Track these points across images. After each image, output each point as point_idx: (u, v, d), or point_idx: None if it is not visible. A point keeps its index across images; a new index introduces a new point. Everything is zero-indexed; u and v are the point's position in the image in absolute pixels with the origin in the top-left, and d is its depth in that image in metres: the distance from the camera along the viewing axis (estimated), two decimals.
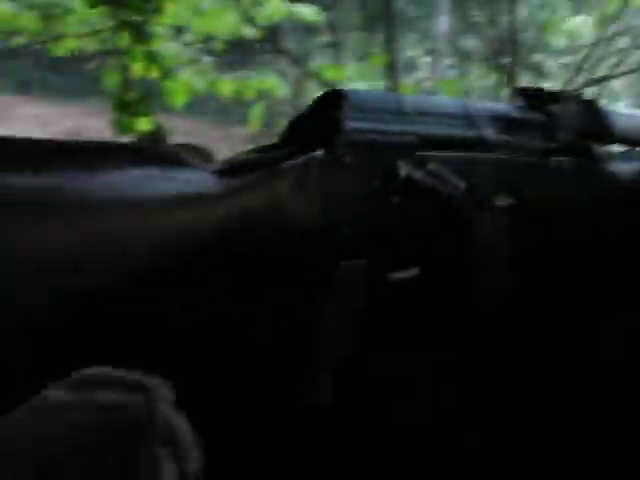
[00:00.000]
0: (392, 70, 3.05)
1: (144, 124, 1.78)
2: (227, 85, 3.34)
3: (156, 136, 1.72)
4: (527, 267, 0.73)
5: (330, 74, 3.26)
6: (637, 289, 0.82)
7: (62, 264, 0.43)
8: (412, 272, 0.67)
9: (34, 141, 0.45)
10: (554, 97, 0.74)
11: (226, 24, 3.35)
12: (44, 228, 0.42)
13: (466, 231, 0.67)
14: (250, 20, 3.36)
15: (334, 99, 0.57)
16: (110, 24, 1.91)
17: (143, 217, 0.44)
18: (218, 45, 3.37)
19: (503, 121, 0.70)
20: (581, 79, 3.71)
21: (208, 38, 3.34)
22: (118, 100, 1.80)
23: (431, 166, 0.61)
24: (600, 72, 3.74)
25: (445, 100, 0.69)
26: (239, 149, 0.60)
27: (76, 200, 0.42)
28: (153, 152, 0.46)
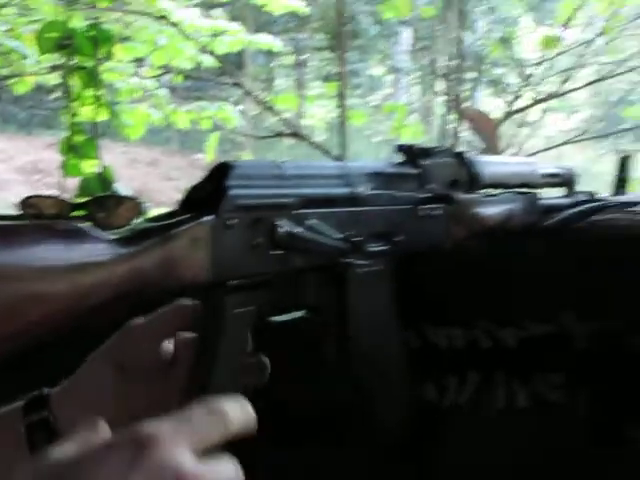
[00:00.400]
0: (341, 95, 3.17)
1: (89, 167, 1.89)
2: (183, 116, 3.46)
3: (102, 178, 1.83)
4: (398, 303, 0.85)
5: (283, 102, 3.38)
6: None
7: None
8: (295, 315, 0.79)
9: None
10: (427, 152, 0.86)
11: (184, 56, 3.46)
12: None
13: (343, 276, 0.79)
14: (208, 51, 3.47)
15: (223, 169, 0.68)
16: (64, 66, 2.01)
17: (46, 285, 0.55)
18: (176, 77, 3.48)
19: (379, 177, 0.81)
20: (531, 94, 3.85)
21: (166, 70, 3.45)
22: (65, 143, 1.90)
23: (309, 222, 0.73)
24: (551, 87, 3.87)
25: (324, 164, 0.80)
26: (200, 175, 0.70)
27: None
28: (60, 227, 0.57)
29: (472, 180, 0.91)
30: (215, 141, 3.41)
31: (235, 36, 3.70)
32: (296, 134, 3.57)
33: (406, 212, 0.83)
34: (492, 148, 3.67)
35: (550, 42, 3.04)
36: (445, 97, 3.85)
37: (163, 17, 2.79)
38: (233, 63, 6.78)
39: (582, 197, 1.03)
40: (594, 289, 0.93)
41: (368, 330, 0.83)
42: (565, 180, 1.05)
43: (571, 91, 4.03)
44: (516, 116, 3.96)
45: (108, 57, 1.96)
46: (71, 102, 1.89)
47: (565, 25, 3.08)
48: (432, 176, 0.87)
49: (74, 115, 1.88)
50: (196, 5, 4.08)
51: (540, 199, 0.99)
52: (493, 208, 0.92)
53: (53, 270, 0.56)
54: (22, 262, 0.54)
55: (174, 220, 0.64)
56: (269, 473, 1.00)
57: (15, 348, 0.55)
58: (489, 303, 0.97)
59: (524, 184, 0.98)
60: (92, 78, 1.89)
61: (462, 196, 0.88)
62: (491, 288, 0.96)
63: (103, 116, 1.99)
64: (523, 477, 0.97)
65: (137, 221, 0.65)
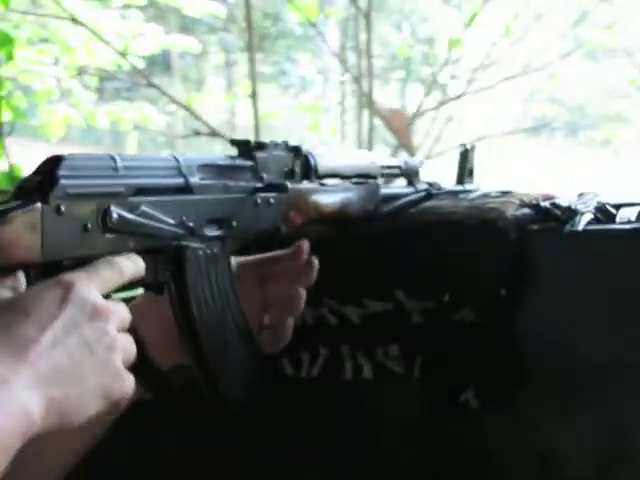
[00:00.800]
0: (254, 94, 3.26)
1: None
2: (102, 116, 3.52)
3: (12, 176, 1.89)
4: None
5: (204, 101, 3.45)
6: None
7: None
8: (134, 294, 0.88)
9: None
10: (261, 146, 0.96)
11: (102, 57, 3.51)
12: None
13: (180, 258, 0.88)
14: (126, 53, 3.52)
15: (55, 161, 0.76)
16: None
17: None
18: (92, 77, 3.54)
19: (213, 168, 0.90)
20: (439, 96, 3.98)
21: (82, 71, 3.50)
22: None
23: (142, 209, 0.82)
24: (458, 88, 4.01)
25: (159, 156, 0.89)
26: None
27: None
28: None
29: (307, 171, 1.00)
30: (134, 141, 3.47)
31: (153, 38, 3.76)
32: (214, 133, 3.66)
33: (240, 200, 0.92)
34: (406, 144, 3.79)
35: (453, 43, 3.17)
36: (360, 96, 3.97)
37: (74, 20, 2.86)
38: (160, 64, 6.81)
39: (420, 187, 1.14)
40: (421, 270, 1.03)
41: (207, 307, 0.92)
42: (405, 172, 1.15)
43: (483, 90, 4.18)
44: (441, 112, 4.09)
45: (9, 58, 2.05)
46: None
47: (468, 26, 3.21)
48: (267, 167, 0.96)
49: None
50: (120, 6, 4.13)
51: (379, 188, 1.09)
52: (329, 196, 1.02)
53: None
54: None
55: (5, 207, 0.72)
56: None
57: None
58: (333, 283, 1.06)
59: (363, 175, 1.07)
60: None
61: (296, 185, 0.98)
62: (334, 269, 1.05)
63: (8, 116, 2.07)
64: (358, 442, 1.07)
65: None
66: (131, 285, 0.85)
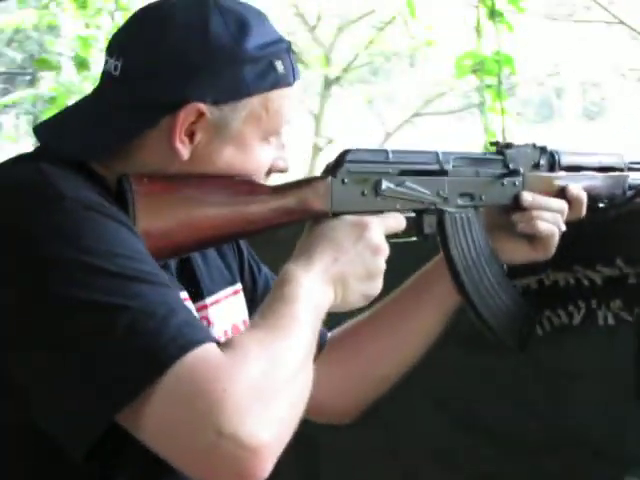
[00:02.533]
0: None
1: None
2: None
3: None
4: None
5: None
6: None
7: None
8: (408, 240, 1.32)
9: None
10: (509, 145, 1.35)
11: None
12: None
13: (441, 218, 1.30)
14: None
15: (345, 152, 1.24)
16: None
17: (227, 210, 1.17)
18: None
19: (466, 159, 1.32)
20: None
21: None
22: None
23: (407, 183, 1.26)
24: None
25: (421, 150, 1.32)
26: None
27: None
28: (240, 179, 1.19)
29: (552, 164, 1.38)
30: None
31: None
32: None
33: (488, 181, 1.33)
34: None
35: None
36: None
37: None
38: None
39: None
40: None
41: (466, 257, 1.33)
42: None
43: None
44: None
45: None
46: None
47: None
48: (515, 160, 1.34)
49: None
50: None
51: (626, 179, 1.41)
52: (572, 182, 1.37)
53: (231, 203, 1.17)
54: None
55: (309, 178, 1.22)
56: None
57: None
58: (581, 253, 1.41)
59: (609, 168, 1.41)
60: None
61: (537, 173, 1.36)
62: (582, 242, 1.39)
63: None
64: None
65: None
66: (405, 234, 1.30)
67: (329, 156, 1.31)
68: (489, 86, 2.93)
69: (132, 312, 0.98)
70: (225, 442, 0.95)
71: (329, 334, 1.46)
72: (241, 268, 1.42)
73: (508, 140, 2.93)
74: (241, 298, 1.37)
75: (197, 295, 1.29)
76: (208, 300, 1.30)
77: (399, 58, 8.33)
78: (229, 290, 1.36)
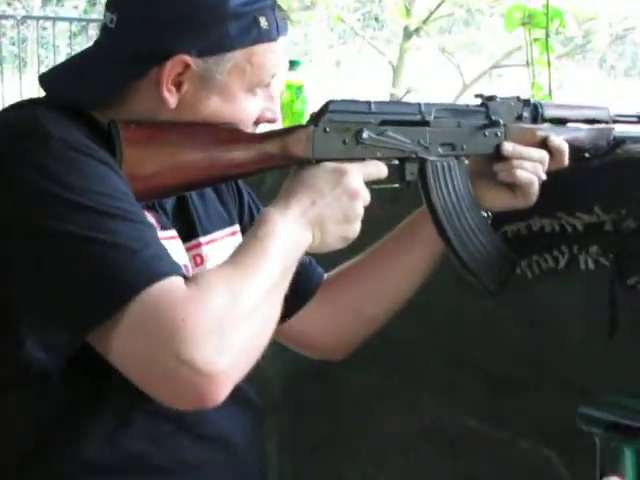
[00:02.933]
0: None
1: None
2: None
3: None
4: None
5: None
6: None
7: None
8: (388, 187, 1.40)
9: None
10: (492, 97, 1.41)
11: None
12: None
13: (422, 166, 1.38)
14: None
15: (328, 102, 1.32)
16: None
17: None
18: None
19: (449, 111, 1.39)
20: None
21: None
22: None
23: (388, 132, 1.34)
24: None
25: (403, 102, 1.39)
26: None
27: None
28: (226, 127, 1.28)
29: (535, 116, 1.44)
30: None
31: None
32: None
33: (469, 132, 1.40)
34: None
35: None
36: None
37: None
38: None
39: None
40: (613, 192, 1.40)
41: (448, 204, 1.41)
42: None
43: None
44: None
45: None
46: None
47: None
48: (497, 112, 1.41)
49: None
50: None
51: (611, 131, 1.46)
52: (555, 133, 1.43)
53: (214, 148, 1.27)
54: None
55: (292, 126, 1.31)
56: None
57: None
58: (564, 200, 1.47)
59: (593, 120, 1.47)
60: None
61: (519, 124, 1.42)
62: (566, 190, 1.46)
63: None
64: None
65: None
66: (388, 181, 1.38)
67: None
68: (537, 39, 2.94)
69: (105, 245, 1.09)
70: (182, 367, 1.06)
71: (326, 275, 1.57)
72: (241, 210, 1.52)
73: (556, 95, 2.98)
74: (239, 238, 1.46)
75: (191, 233, 1.39)
76: (203, 239, 1.41)
77: (479, 10, 8.26)
78: (227, 230, 1.46)
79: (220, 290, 1.11)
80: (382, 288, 1.52)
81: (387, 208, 1.57)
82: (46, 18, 11.52)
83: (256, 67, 1.28)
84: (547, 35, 2.95)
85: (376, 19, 11.44)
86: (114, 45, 1.27)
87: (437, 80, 8.47)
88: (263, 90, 1.32)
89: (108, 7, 1.28)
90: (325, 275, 1.57)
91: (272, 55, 1.29)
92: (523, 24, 3.00)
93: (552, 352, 1.55)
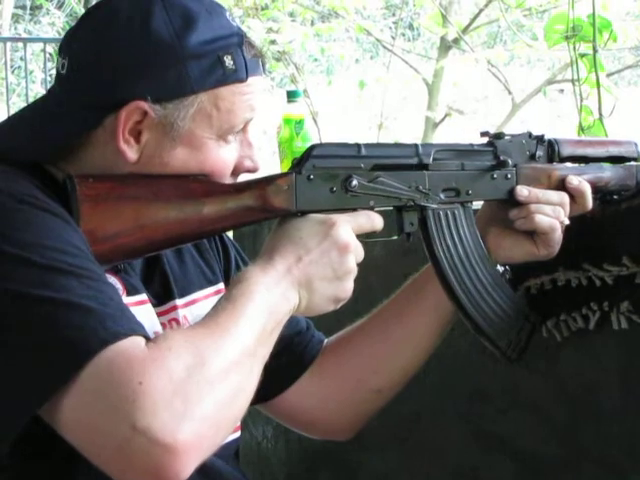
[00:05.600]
0: None
1: None
2: None
3: None
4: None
5: None
6: None
7: None
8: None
9: None
10: (500, 135, 1.50)
11: None
12: None
13: (423, 214, 1.46)
14: None
15: (311, 147, 1.40)
16: None
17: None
18: None
19: (450, 152, 1.47)
20: None
21: None
22: None
23: (381, 178, 1.42)
24: None
25: (398, 143, 1.47)
26: None
27: None
28: (201, 179, 1.37)
29: (551, 154, 1.52)
30: None
31: None
32: None
33: (476, 175, 1.48)
34: None
35: None
36: None
37: None
38: None
39: None
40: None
41: (454, 257, 1.49)
42: None
43: None
44: None
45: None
46: None
47: None
48: (507, 151, 1.49)
49: None
50: None
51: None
52: (576, 174, 1.52)
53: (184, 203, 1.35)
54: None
55: (272, 175, 1.40)
56: None
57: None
58: (590, 251, 1.55)
59: (618, 158, 1.56)
60: None
61: (532, 164, 1.51)
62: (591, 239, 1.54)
63: None
64: None
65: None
66: (386, 233, 1.46)
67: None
68: (583, 55, 3.00)
69: (56, 304, 1.16)
70: (138, 437, 1.11)
71: (326, 341, 1.65)
72: (227, 267, 1.61)
73: (608, 121, 3.01)
74: None
75: (166, 296, 1.48)
76: (179, 301, 1.50)
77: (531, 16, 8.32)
78: (209, 290, 1.55)
79: (182, 351, 1.17)
80: (389, 354, 1.59)
81: (399, 261, 1.64)
82: (16, 39, 11.52)
83: (224, 111, 1.35)
84: (595, 50, 3.01)
85: (410, 27, 11.53)
86: (65, 92, 1.36)
87: (482, 99, 8.53)
88: (238, 136, 1.40)
89: (60, 51, 1.38)
90: (325, 341, 1.65)
91: (242, 97, 1.36)
92: (566, 38, 3.06)
93: (586, 427, 1.61)
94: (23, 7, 13.05)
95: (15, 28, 12.87)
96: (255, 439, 2.20)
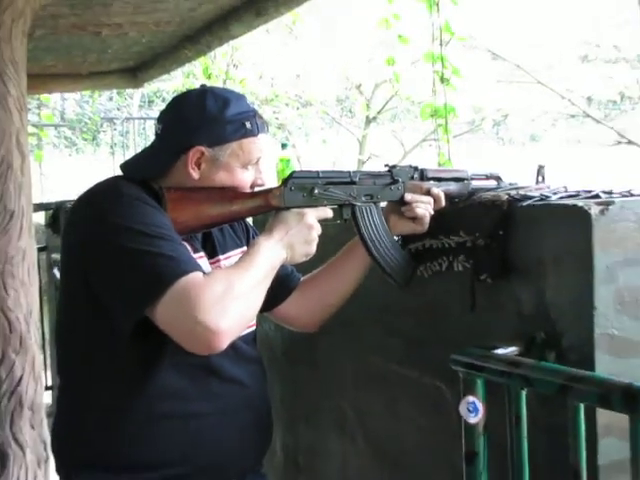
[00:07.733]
0: None
1: None
2: None
3: None
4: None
5: None
6: None
7: None
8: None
9: None
10: (394, 166, 1.47)
11: None
12: None
13: (353, 208, 1.44)
14: None
15: (291, 174, 1.39)
16: None
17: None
18: None
19: (369, 175, 1.45)
20: None
21: None
22: None
23: (330, 188, 1.40)
24: None
25: (341, 170, 1.45)
26: None
27: None
28: (230, 189, 1.36)
29: (422, 177, 1.50)
30: None
31: None
32: None
33: (381, 187, 1.46)
34: None
35: None
36: None
37: None
38: None
39: (503, 185, 1.54)
40: (470, 221, 1.45)
41: (372, 232, 1.47)
42: (490, 176, 1.55)
43: None
44: None
45: None
46: None
47: None
48: (398, 174, 1.48)
49: None
50: None
51: (469, 184, 1.52)
52: (436, 187, 1.49)
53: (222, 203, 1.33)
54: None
55: (271, 187, 1.38)
56: None
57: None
58: (443, 227, 1.52)
59: (458, 178, 1.53)
60: None
61: (412, 182, 1.49)
62: (443, 220, 1.52)
63: None
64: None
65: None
66: (333, 219, 1.44)
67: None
68: (440, 125, 3.05)
69: (153, 254, 1.18)
70: (198, 326, 1.12)
71: (302, 278, 1.63)
72: (247, 237, 1.58)
73: (453, 160, 3.06)
74: None
75: (214, 253, 1.46)
76: (222, 256, 1.48)
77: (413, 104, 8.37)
78: (238, 250, 1.52)
79: (222, 280, 1.18)
80: (335, 286, 1.59)
81: (341, 235, 1.62)
82: (140, 118, 11.67)
83: (245, 152, 1.35)
84: (446, 122, 3.04)
85: (350, 110, 11.56)
86: (160, 142, 1.36)
87: (387, 149, 8.58)
88: (253, 166, 1.39)
89: (157, 121, 1.38)
90: (301, 278, 1.63)
91: (255, 145, 1.36)
92: (432, 115, 3.09)
93: (441, 322, 1.60)
94: (143, 99, 12.99)
95: (140, 111, 12.90)
96: (265, 331, 2.18)
